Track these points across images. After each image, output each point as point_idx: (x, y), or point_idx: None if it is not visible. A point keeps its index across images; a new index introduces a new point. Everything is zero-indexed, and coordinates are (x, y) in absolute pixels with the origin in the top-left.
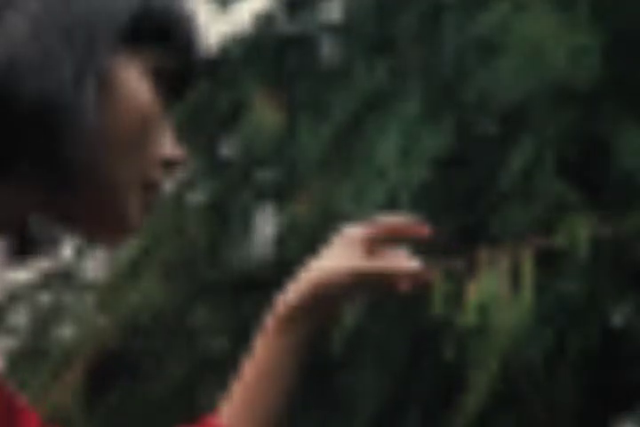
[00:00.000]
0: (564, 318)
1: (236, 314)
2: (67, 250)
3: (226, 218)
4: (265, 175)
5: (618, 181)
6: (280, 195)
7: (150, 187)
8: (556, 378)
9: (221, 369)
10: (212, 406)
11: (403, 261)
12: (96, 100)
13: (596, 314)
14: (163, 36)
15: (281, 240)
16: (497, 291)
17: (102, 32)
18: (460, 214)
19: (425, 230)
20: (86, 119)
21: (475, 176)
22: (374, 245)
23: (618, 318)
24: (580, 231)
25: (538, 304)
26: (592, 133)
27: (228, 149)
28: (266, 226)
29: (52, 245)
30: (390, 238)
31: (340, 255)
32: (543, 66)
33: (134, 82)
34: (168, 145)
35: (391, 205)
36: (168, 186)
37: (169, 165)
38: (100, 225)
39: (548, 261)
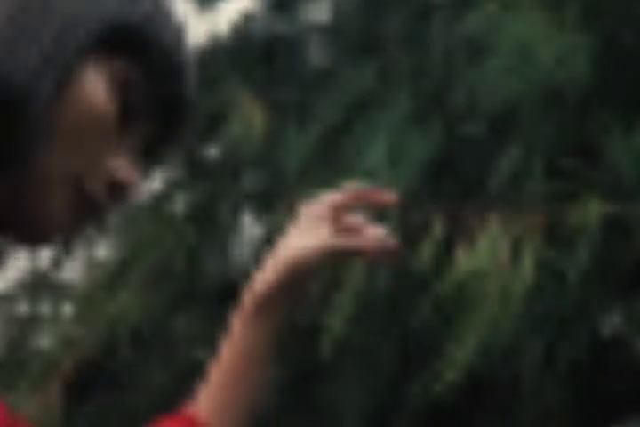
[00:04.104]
0: (561, 316)
1: (217, 324)
2: (44, 258)
3: (208, 224)
4: (250, 179)
5: (607, 183)
6: (265, 199)
7: (85, 199)
8: (553, 379)
9: (202, 380)
10: None
11: (374, 232)
12: (54, 93)
13: (593, 314)
14: (138, 51)
15: (264, 248)
16: (493, 259)
17: (74, 33)
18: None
19: (393, 198)
20: (40, 109)
21: (464, 178)
22: (342, 213)
23: (617, 319)
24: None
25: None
26: (581, 135)
27: (212, 151)
28: (249, 233)
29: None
30: (358, 206)
31: (310, 231)
32: (532, 66)
33: (95, 87)
34: (122, 168)
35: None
36: (154, 187)
37: (117, 187)
38: (23, 219)
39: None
